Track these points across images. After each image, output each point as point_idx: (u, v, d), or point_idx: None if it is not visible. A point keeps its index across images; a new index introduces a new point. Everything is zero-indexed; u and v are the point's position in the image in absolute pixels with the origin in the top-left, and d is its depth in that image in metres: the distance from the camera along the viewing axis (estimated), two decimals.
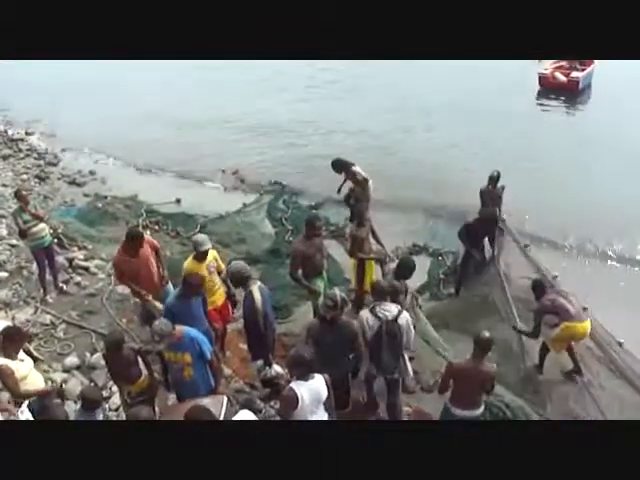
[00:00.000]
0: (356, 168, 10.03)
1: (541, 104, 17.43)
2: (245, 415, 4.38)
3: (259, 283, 5.92)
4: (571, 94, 17.38)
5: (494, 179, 8.81)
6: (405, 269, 6.50)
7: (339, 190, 10.47)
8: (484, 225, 8.44)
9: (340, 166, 10.20)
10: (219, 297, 6.44)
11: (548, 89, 17.62)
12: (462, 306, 8.35)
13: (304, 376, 4.49)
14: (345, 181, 10.43)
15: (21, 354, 5.38)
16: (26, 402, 4.99)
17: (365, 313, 5.59)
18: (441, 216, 11.53)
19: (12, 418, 5.03)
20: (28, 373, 5.31)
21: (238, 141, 15.26)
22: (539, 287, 6.76)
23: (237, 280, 5.86)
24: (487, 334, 5.13)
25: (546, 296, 6.56)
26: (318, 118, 16.38)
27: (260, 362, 6.01)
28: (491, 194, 8.82)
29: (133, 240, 6.29)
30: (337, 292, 5.36)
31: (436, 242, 10.67)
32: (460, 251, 8.89)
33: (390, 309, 5.50)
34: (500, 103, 16.23)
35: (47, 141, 15.92)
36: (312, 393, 4.47)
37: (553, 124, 15.92)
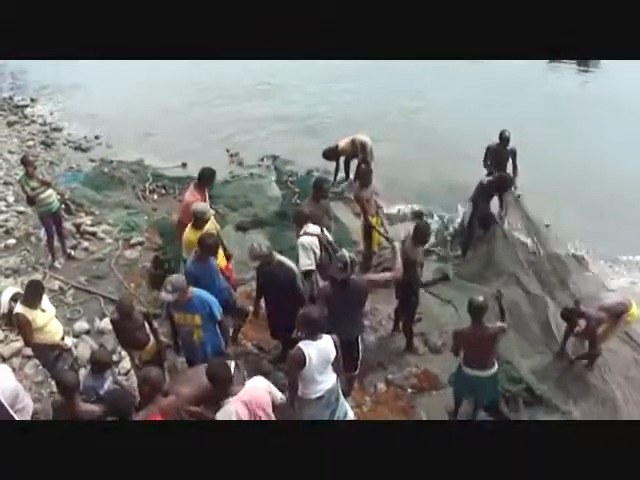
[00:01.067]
0: (340, 144, 10.03)
1: (551, 62, 16.82)
2: (258, 381, 4.39)
3: None
4: None
5: (506, 139, 8.44)
6: (421, 234, 6.28)
7: (334, 182, 10.41)
8: (497, 187, 8.27)
9: (329, 152, 10.33)
10: (221, 261, 6.42)
11: None
12: (468, 267, 8.30)
13: (313, 336, 4.50)
14: (338, 167, 10.55)
15: (45, 303, 5.53)
16: None
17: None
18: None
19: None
20: (47, 323, 5.49)
21: (250, 119, 14.31)
22: (575, 312, 6.10)
23: (266, 260, 5.75)
24: (480, 299, 5.11)
25: (591, 310, 5.99)
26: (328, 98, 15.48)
27: None
28: (501, 153, 8.53)
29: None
30: (346, 253, 5.33)
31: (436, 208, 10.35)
32: (467, 211, 8.77)
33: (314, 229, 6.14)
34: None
35: (52, 107, 15.74)
36: (320, 353, 4.49)
37: (563, 84, 15.49)
